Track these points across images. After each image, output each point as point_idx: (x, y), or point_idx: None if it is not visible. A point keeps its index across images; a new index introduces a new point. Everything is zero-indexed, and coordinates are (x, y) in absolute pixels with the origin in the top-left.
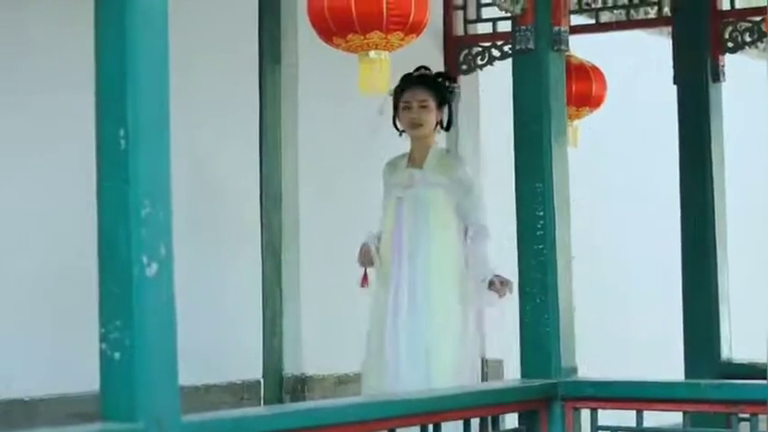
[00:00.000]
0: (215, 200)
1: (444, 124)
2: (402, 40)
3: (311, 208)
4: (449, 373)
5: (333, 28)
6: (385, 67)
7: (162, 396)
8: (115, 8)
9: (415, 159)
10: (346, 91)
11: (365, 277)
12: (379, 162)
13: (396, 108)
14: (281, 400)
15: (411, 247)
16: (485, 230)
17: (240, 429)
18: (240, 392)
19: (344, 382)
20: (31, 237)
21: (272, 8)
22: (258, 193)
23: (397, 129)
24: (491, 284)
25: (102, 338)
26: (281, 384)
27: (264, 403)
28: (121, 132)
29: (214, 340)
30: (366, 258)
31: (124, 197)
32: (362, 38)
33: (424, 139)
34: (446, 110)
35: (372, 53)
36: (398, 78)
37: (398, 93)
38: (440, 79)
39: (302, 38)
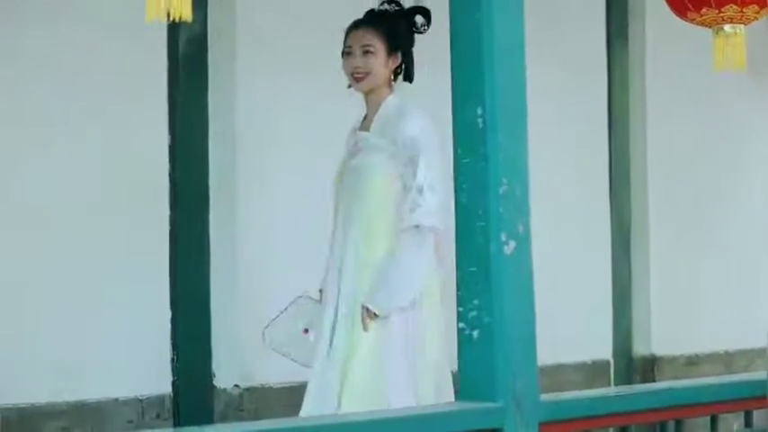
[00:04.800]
0: (556, 177)
1: (405, 74)
2: (758, 12)
3: (660, 187)
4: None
5: (687, 2)
6: (740, 41)
7: (521, 375)
8: None
9: (367, 120)
10: (696, 67)
11: None
12: (736, 137)
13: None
14: (630, 381)
15: (346, 235)
16: (420, 237)
17: (597, 410)
18: (590, 372)
19: (695, 362)
20: None
21: None
22: (607, 171)
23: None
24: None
25: (461, 317)
26: (630, 364)
27: (614, 384)
28: (479, 111)
29: (564, 319)
30: None
31: (482, 175)
32: (717, 12)
33: (374, 94)
34: (403, 56)
35: (727, 27)
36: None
37: (345, 37)
38: (398, 18)
39: (650, 15)
